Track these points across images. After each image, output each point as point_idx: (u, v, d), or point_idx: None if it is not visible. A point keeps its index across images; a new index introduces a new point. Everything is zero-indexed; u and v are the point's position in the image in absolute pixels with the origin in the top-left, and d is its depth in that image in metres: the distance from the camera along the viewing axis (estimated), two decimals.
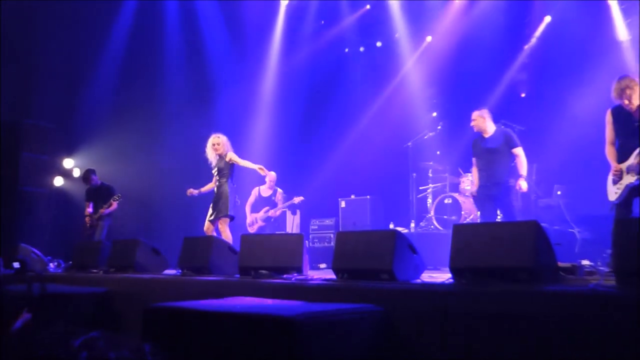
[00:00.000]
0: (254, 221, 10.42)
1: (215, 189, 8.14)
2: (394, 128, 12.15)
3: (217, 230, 8.03)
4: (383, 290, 4.14)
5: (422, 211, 10.71)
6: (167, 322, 3.92)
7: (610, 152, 5.72)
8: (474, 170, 7.85)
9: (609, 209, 5.67)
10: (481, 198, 7.66)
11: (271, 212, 10.42)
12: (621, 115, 5.63)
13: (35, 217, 9.75)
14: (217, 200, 8.00)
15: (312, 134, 13.12)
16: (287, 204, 10.49)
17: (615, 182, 5.54)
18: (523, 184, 7.21)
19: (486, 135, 7.60)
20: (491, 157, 7.48)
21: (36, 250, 7.91)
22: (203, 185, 8.47)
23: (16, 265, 5.25)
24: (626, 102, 5.50)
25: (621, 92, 5.52)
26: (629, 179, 5.40)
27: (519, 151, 7.39)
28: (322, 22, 12.78)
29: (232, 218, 8.04)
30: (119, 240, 7.49)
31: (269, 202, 10.58)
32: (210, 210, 8.09)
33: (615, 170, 5.53)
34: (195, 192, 8.49)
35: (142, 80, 11.26)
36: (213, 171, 8.24)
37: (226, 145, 8.19)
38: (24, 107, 10.14)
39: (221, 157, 8.15)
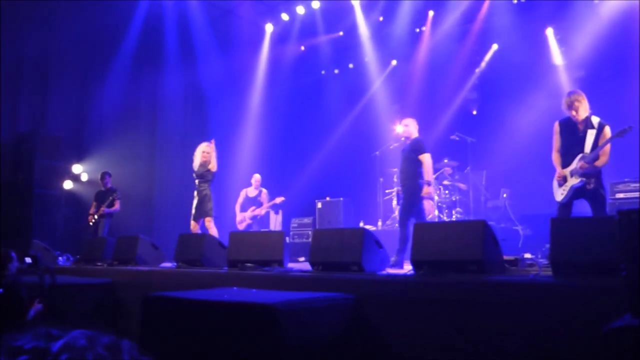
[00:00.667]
0: (242, 219, 10.36)
1: (198, 192, 8.03)
2: (363, 139, 12.21)
3: (203, 228, 7.95)
4: (353, 280, 4.14)
5: (388, 211, 10.73)
6: (163, 309, 3.87)
7: (556, 159, 5.75)
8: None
9: (557, 208, 5.67)
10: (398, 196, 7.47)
11: (257, 211, 10.36)
12: (568, 126, 5.68)
13: (47, 217, 9.58)
14: (201, 203, 7.93)
15: (293, 143, 13.13)
16: (270, 203, 10.44)
17: (560, 185, 5.59)
18: (426, 189, 6.69)
19: (409, 141, 7.16)
20: (403, 161, 7.08)
21: (47, 246, 7.78)
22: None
23: (28, 260, 5.15)
24: (573, 113, 5.53)
25: (570, 105, 5.56)
26: (573, 181, 5.45)
27: (424, 158, 6.80)
28: (302, 47, 12.78)
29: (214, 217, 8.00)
30: (122, 237, 7.40)
31: (256, 202, 10.52)
32: (194, 212, 8.01)
33: (560, 175, 5.58)
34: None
35: (143, 95, 11.18)
36: (194, 174, 8.10)
37: (214, 157, 8.10)
38: (39, 119, 10.00)
39: (206, 164, 8.05)
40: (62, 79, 10.21)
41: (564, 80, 10.50)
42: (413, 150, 6.88)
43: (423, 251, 4.11)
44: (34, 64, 9.82)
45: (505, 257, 4.17)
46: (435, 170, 10.70)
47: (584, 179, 5.38)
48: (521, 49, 10.63)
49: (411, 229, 6.09)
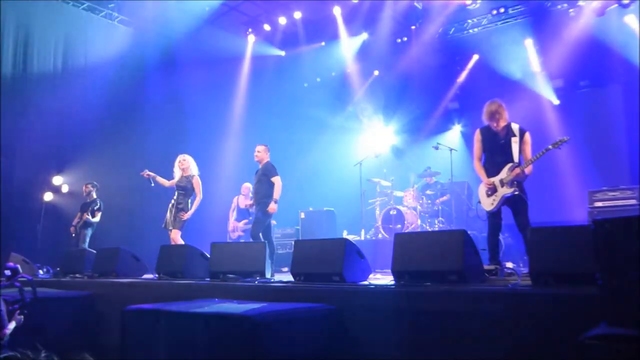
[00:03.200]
0: (235, 229, 10.37)
1: (176, 202, 7.84)
2: (345, 149, 12.26)
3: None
4: (334, 291, 4.13)
5: (370, 221, 10.76)
6: (143, 321, 3.83)
7: (479, 168, 5.69)
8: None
9: (487, 218, 5.64)
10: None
11: (249, 226, 10.39)
12: (489, 135, 5.62)
13: (27, 229, 9.46)
14: (175, 214, 7.77)
15: (275, 153, 13.08)
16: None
17: (489, 195, 5.50)
18: (272, 206, 7.56)
19: (261, 165, 7.92)
20: (256, 182, 7.83)
21: (26, 258, 7.66)
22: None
23: (7, 272, 5.06)
24: (494, 124, 5.50)
25: (491, 115, 5.53)
26: (505, 191, 5.38)
27: (276, 180, 7.69)
28: (283, 53, 12.80)
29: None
30: (103, 249, 7.32)
31: (248, 212, 10.48)
32: (167, 221, 7.85)
33: (489, 183, 5.50)
34: (151, 174, 8.10)
35: (125, 106, 11.09)
36: (173, 182, 8.00)
37: (192, 167, 8.00)
38: (18, 131, 9.88)
39: (186, 176, 7.96)
40: (41, 89, 10.11)
41: (543, 90, 10.68)
42: (265, 173, 7.74)
43: (404, 261, 4.12)
44: (13, 75, 9.71)
45: (486, 267, 4.21)
46: (417, 180, 10.80)
47: (515, 188, 5.33)
48: (501, 59, 10.79)
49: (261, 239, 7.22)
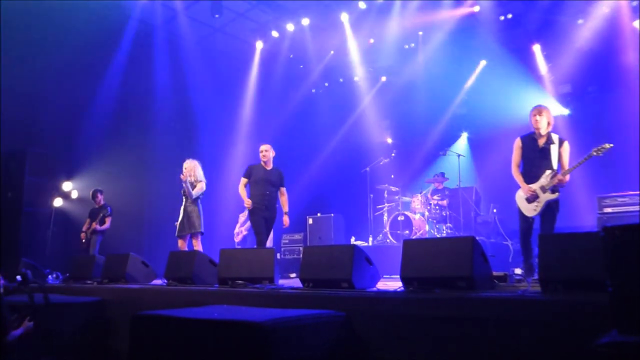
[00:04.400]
0: (240, 232, 10.55)
1: (184, 208, 7.84)
2: (354, 155, 12.26)
3: (190, 244, 7.80)
4: (343, 297, 4.13)
5: (378, 227, 10.76)
6: (153, 328, 3.84)
7: (518, 174, 5.83)
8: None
9: (524, 222, 5.76)
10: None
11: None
12: (529, 142, 5.80)
13: (36, 235, 9.53)
14: (189, 219, 7.76)
15: (283, 160, 13.10)
16: None
17: (531, 201, 5.64)
18: (284, 220, 7.64)
19: (268, 168, 7.69)
20: (270, 187, 7.61)
21: (36, 264, 7.72)
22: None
23: (18, 278, 5.09)
24: (537, 117, 5.67)
25: (534, 119, 5.73)
26: (547, 196, 5.52)
27: (282, 190, 7.68)
28: (291, 55, 12.82)
29: (202, 233, 7.85)
30: (112, 254, 7.35)
31: None
32: (179, 228, 7.81)
33: (530, 190, 5.63)
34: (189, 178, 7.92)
35: (133, 113, 11.18)
36: (182, 191, 7.95)
37: (197, 171, 7.97)
38: (28, 137, 9.96)
39: (193, 180, 7.98)
40: (51, 96, 10.20)
41: (551, 95, 10.64)
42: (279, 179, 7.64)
43: (412, 268, 4.12)
44: (24, 81, 9.80)
45: (495, 273, 4.19)
46: (425, 186, 10.79)
47: (557, 194, 5.49)
48: (509, 65, 10.76)
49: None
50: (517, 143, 5.88)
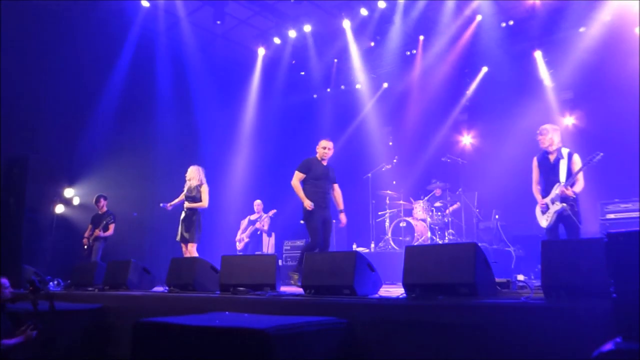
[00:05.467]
0: (241, 239, 10.66)
1: (184, 213, 7.97)
2: (355, 161, 12.26)
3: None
4: (345, 304, 4.12)
5: (380, 233, 10.74)
6: (154, 335, 3.83)
7: (536, 191, 6.38)
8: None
9: (544, 234, 6.26)
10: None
11: (257, 225, 11.00)
12: (542, 160, 6.32)
13: (38, 241, 9.51)
14: (186, 227, 7.86)
15: (285, 166, 13.12)
16: (265, 216, 10.96)
17: (544, 212, 6.16)
18: (342, 218, 7.37)
19: (324, 164, 7.39)
20: (330, 184, 7.35)
21: (37, 271, 7.70)
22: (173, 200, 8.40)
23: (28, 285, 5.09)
24: (546, 147, 6.20)
25: (542, 139, 6.25)
26: (555, 207, 6.02)
27: (336, 187, 7.30)
28: (293, 61, 12.84)
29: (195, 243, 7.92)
30: (114, 261, 7.33)
31: (254, 224, 10.95)
32: (179, 235, 7.94)
33: (542, 203, 6.18)
34: (167, 205, 8.29)
35: (135, 119, 11.19)
36: (182, 195, 8.11)
37: (200, 177, 8.05)
38: (30, 143, 9.97)
39: (195, 186, 8.02)
40: (53, 102, 10.23)
41: (553, 102, 10.64)
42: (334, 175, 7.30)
43: (415, 274, 4.10)
44: (26, 86, 9.82)
45: (497, 280, 4.18)
46: (427, 193, 10.78)
47: (564, 204, 5.93)
48: (510, 71, 10.78)
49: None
50: (534, 162, 6.42)
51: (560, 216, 5.99)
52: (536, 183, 6.39)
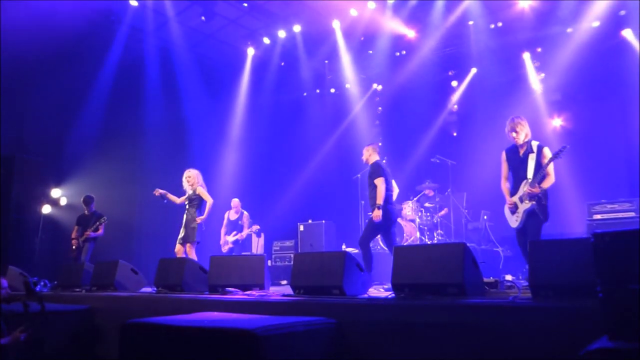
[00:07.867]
0: (225, 242, 10.51)
1: (185, 215, 8.05)
2: (345, 162, 12.27)
3: (185, 252, 7.92)
4: (334, 304, 4.12)
5: None
6: (142, 336, 3.81)
7: (504, 187, 5.94)
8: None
9: (515, 236, 5.85)
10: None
11: (239, 236, 10.50)
12: (511, 154, 5.90)
13: (25, 242, 9.44)
14: (187, 227, 7.94)
15: (274, 166, 13.15)
16: (248, 231, 10.60)
17: (513, 212, 5.76)
18: (375, 213, 6.89)
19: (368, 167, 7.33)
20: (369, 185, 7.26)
21: (23, 272, 7.63)
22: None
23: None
24: (513, 135, 5.77)
25: (512, 129, 5.81)
26: (524, 206, 5.61)
27: (377, 182, 7.00)
28: (282, 63, 12.82)
29: (198, 243, 7.96)
30: (101, 262, 7.29)
31: (237, 225, 10.69)
32: (181, 234, 7.99)
33: (510, 202, 5.76)
34: (162, 192, 8.23)
35: (124, 120, 11.14)
36: (184, 198, 8.14)
37: (197, 179, 8.10)
38: (17, 144, 9.89)
39: (194, 189, 8.07)
40: (40, 103, 10.15)
41: (541, 103, 10.72)
42: (369, 175, 7.14)
43: (403, 274, 4.12)
44: (13, 86, 9.74)
45: (485, 280, 4.20)
46: (416, 193, 10.81)
47: (533, 202, 5.54)
48: (499, 72, 10.84)
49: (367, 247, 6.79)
50: (502, 156, 5.99)
51: (530, 215, 5.59)
52: (505, 179, 5.94)
